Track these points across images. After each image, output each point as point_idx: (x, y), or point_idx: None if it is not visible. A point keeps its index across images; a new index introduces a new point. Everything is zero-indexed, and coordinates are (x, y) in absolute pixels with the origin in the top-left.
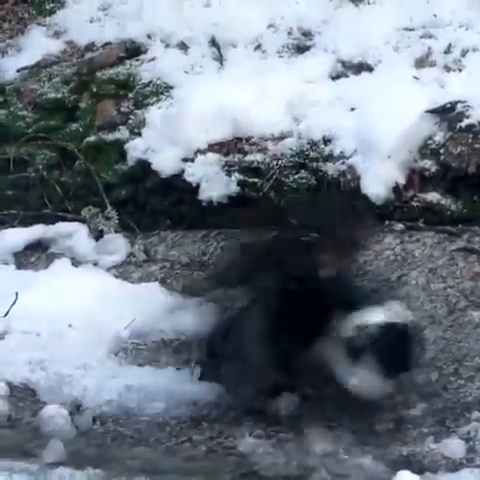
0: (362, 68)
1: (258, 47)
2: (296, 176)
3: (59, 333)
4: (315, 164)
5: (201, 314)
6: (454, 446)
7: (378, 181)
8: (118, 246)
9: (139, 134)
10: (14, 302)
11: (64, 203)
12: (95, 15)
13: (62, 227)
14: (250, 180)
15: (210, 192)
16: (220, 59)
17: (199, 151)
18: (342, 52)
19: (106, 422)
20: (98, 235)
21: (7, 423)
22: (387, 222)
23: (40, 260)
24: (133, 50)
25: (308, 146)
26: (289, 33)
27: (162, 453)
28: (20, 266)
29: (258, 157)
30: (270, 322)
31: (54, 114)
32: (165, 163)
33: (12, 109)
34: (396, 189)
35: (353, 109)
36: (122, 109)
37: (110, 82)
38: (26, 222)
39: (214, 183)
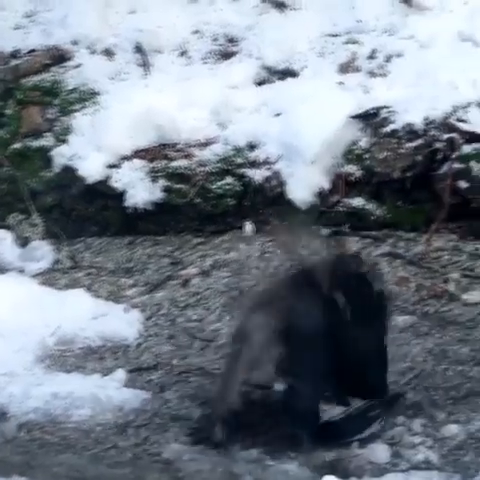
0: (287, 74)
1: (183, 53)
2: (222, 182)
3: None
4: (240, 170)
5: None
6: (379, 451)
7: (303, 186)
8: (44, 253)
9: (65, 141)
10: None
11: None
12: (20, 22)
13: None
14: (176, 186)
15: (136, 198)
16: (145, 65)
17: (125, 157)
18: (267, 58)
19: (32, 429)
20: (24, 242)
21: None
22: (312, 227)
23: None
24: (58, 57)
25: (233, 152)
26: (214, 39)
27: (88, 460)
28: None
29: (184, 163)
30: None
31: None
32: (91, 169)
33: None
34: (321, 194)
35: (278, 115)
36: (48, 116)
37: (35, 89)
38: None
39: (140, 189)
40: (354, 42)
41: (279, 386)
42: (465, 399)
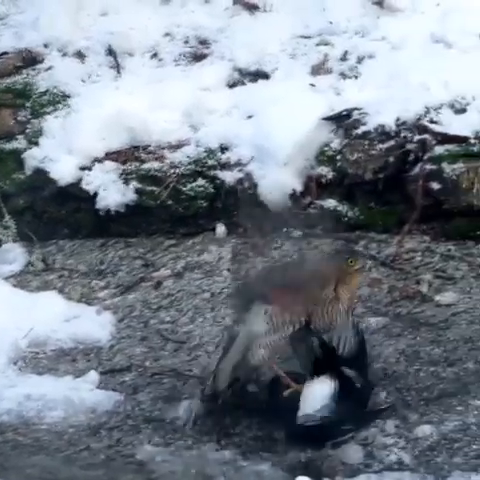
0: (259, 76)
1: (155, 55)
2: (193, 184)
3: None
4: (212, 172)
5: None
6: (352, 451)
7: (275, 188)
8: (16, 255)
9: (36, 143)
10: None
11: None
12: None
13: None
14: (147, 188)
15: (107, 200)
16: (117, 68)
17: (96, 160)
18: (239, 60)
19: (5, 431)
20: None
21: None
22: (285, 229)
23: None
24: (30, 59)
25: (205, 154)
26: (186, 41)
27: (61, 461)
28: None
29: (155, 165)
30: None
31: None
32: (63, 172)
33: None
34: (293, 196)
35: (250, 117)
36: (19, 118)
37: (7, 91)
38: None
39: (111, 191)
40: (326, 44)
41: (253, 387)
42: (438, 400)
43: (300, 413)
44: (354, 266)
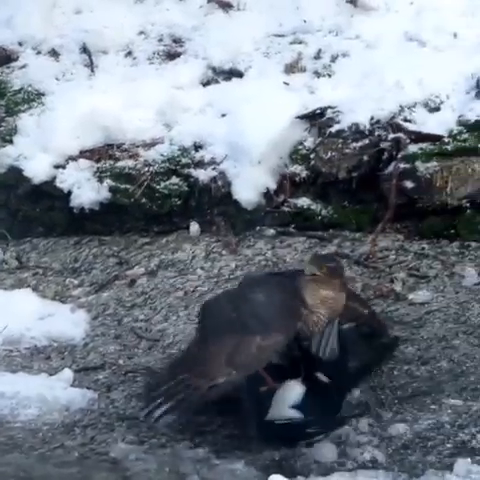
0: (232, 74)
1: (129, 54)
2: (167, 182)
3: None
4: (186, 170)
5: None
6: (325, 450)
7: (249, 186)
8: None
9: (11, 141)
10: None
11: None
12: None
13: None
14: (122, 186)
15: (82, 198)
16: (91, 66)
17: (71, 158)
18: (212, 58)
19: None
20: None
21: None
22: (258, 227)
23: None
24: (4, 58)
25: (179, 152)
26: (160, 40)
27: (35, 459)
28: None
29: (129, 163)
30: None
31: None
32: (37, 170)
33: None
34: (267, 194)
35: (224, 115)
36: None
37: None
38: None
39: (86, 189)
40: (300, 42)
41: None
42: (411, 398)
43: (270, 411)
44: (323, 270)
